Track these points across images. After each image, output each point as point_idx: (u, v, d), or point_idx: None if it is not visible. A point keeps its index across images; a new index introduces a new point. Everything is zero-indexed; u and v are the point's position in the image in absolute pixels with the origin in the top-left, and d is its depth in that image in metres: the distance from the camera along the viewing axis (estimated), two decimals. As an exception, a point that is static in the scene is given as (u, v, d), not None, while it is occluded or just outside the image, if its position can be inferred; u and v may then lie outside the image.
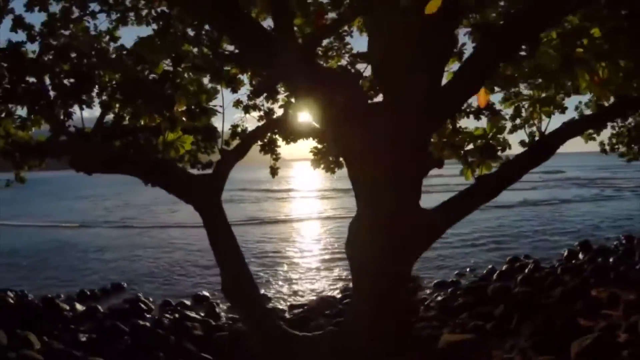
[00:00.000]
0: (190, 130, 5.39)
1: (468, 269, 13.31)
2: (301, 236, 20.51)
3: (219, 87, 5.16)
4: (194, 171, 5.38)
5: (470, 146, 4.26)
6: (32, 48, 5.01)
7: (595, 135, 8.38)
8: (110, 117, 5.21)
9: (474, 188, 4.00)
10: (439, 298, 10.12)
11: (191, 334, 7.91)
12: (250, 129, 5.73)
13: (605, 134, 14.95)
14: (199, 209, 4.50)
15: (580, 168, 68.96)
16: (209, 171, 5.22)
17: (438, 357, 5.23)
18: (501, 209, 26.92)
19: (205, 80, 5.32)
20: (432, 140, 3.96)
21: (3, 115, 5.35)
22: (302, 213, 28.92)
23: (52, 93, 4.93)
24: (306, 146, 5.79)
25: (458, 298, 9.56)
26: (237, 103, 5.87)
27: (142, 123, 4.96)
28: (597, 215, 23.39)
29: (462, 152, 4.20)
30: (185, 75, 5.13)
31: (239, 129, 5.83)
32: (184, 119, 5.08)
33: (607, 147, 11.44)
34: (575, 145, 9.59)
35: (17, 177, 5.70)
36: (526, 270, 12.01)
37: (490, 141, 4.24)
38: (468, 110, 5.32)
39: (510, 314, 7.89)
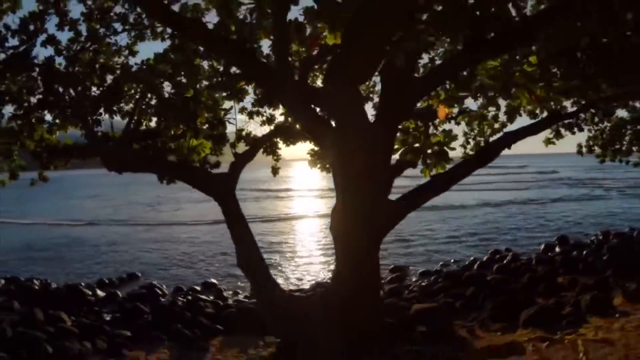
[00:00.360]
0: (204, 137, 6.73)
1: (452, 260, 14.58)
2: (299, 231, 21.77)
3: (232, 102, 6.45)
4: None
5: (429, 151, 5.55)
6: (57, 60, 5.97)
7: (554, 140, 9.70)
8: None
9: (429, 183, 5.31)
10: (422, 284, 11.40)
11: (204, 311, 9.18)
12: (253, 132, 7.02)
13: (583, 137, 16.17)
14: (218, 200, 5.79)
15: (573, 169, 70.36)
16: (217, 170, 6.54)
17: (408, 320, 6.48)
18: (491, 208, 28.26)
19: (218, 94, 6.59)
20: (396, 147, 5.22)
21: (33, 120, 6.55)
22: (300, 210, 30.31)
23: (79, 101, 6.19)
24: (305, 147, 7.04)
25: (438, 283, 10.85)
26: (242, 109, 7.15)
27: (172, 132, 6.26)
28: (581, 213, 24.69)
29: (422, 155, 5.50)
30: (205, 93, 6.40)
31: (244, 133, 7.11)
32: (204, 127, 6.38)
33: (584, 149, 12.79)
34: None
35: (41, 176, 6.90)
36: (504, 261, 13.25)
37: (444, 147, 5.53)
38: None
39: (478, 295, 9.18)
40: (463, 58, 4.45)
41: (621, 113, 9.89)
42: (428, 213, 23.68)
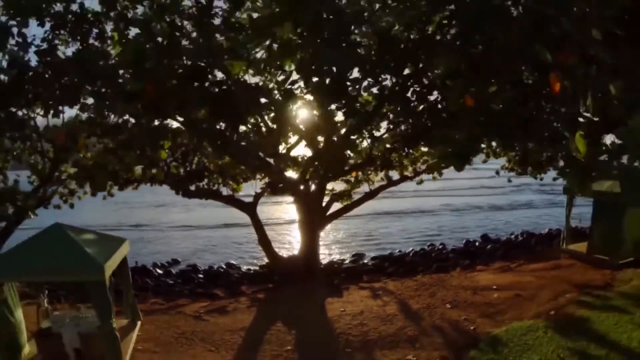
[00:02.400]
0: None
1: (398, 250, 21.60)
2: (287, 229, 28.80)
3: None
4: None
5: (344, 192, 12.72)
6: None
7: (422, 180, 16.84)
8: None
9: (343, 208, 12.44)
10: (368, 262, 18.45)
11: (238, 273, 16.29)
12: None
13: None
14: (248, 215, 12.87)
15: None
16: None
17: (336, 272, 13.61)
18: (449, 211, 35.28)
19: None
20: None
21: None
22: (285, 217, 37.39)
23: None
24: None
25: (376, 261, 17.91)
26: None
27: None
28: (521, 216, 31.72)
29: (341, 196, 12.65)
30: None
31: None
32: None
33: (501, 171, 19.86)
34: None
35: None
36: (433, 253, 20.24)
37: (351, 191, 12.67)
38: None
39: (395, 268, 16.21)
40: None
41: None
42: (391, 217, 30.78)
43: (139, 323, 9.76)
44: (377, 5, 8.48)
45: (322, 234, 14.37)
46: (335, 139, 9.62)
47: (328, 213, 13.34)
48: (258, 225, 13.37)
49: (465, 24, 7.44)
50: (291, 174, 12.88)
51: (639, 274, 11.30)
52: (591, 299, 9.87)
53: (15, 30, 9.31)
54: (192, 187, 13.30)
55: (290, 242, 24.24)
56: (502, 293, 11.18)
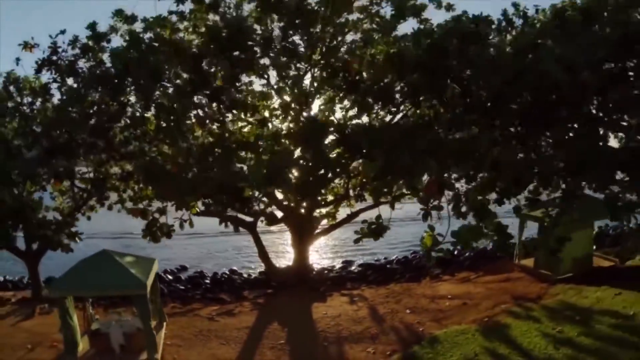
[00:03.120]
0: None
1: (383, 257, 24.47)
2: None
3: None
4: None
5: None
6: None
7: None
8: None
9: (328, 228, 15.31)
10: (355, 269, 21.34)
11: (240, 278, 19.22)
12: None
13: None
14: (249, 232, 15.74)
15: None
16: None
17: (322, 292, 16.53)
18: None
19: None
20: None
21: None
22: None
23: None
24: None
25: (360, 268, 20.82)
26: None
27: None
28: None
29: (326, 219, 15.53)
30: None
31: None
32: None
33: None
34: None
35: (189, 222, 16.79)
36: (414, 261, 23.09)
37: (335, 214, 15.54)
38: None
39: (376, 276, 19.09)
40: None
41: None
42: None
43: (164, 324, 12.64)
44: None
45: (318, 240, 17.23)
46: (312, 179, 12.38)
47: (316, 232, 16.26)
48: (257, 241, 16.22)
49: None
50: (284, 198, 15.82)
51: (566, 290, 14.06)
52: (519, 310, 12.72)
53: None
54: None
55: (285, 251, 27.15)
56: (453, 301, 14.08)
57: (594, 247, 17.33)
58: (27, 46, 13.93)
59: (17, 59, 14.66)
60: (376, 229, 10.48)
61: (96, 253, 11.34)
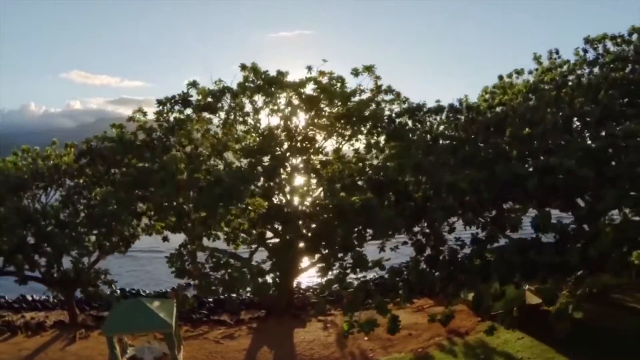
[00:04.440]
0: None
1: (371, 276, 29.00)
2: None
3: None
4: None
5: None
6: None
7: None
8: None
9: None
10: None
11: (238, 298, 23.89)
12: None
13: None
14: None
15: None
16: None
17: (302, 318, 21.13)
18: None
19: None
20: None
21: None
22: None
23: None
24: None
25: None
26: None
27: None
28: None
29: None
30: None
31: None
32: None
33: None
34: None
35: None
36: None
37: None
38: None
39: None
40: None
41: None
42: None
43: (182, 347, 17.27)
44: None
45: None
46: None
47: (300, 267, 20.80)
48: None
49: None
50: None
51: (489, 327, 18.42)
52: (446, 342, 17.26)
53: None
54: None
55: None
56: (402, 331, 18.62)
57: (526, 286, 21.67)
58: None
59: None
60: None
61: (131, 300, 16.01)
